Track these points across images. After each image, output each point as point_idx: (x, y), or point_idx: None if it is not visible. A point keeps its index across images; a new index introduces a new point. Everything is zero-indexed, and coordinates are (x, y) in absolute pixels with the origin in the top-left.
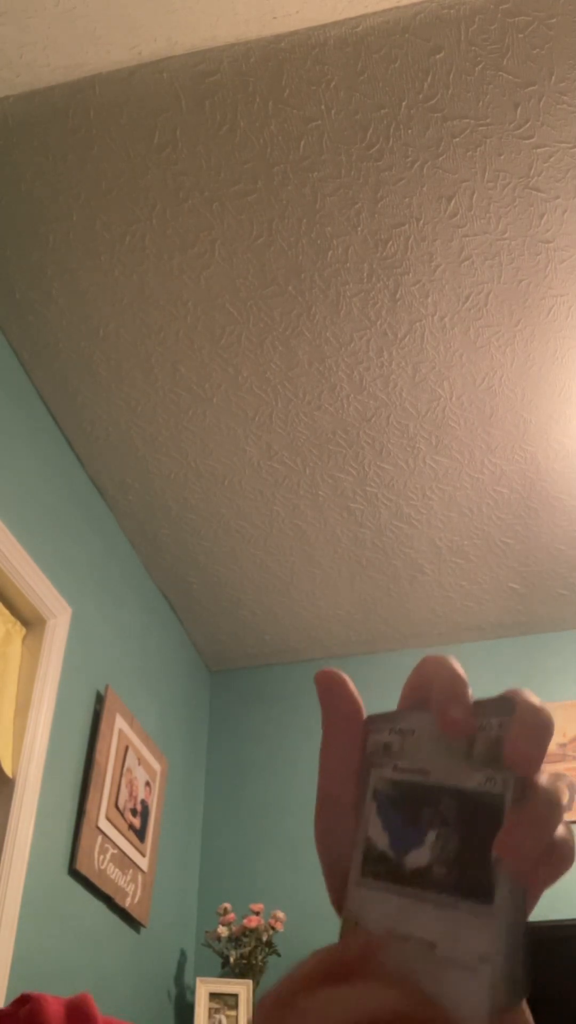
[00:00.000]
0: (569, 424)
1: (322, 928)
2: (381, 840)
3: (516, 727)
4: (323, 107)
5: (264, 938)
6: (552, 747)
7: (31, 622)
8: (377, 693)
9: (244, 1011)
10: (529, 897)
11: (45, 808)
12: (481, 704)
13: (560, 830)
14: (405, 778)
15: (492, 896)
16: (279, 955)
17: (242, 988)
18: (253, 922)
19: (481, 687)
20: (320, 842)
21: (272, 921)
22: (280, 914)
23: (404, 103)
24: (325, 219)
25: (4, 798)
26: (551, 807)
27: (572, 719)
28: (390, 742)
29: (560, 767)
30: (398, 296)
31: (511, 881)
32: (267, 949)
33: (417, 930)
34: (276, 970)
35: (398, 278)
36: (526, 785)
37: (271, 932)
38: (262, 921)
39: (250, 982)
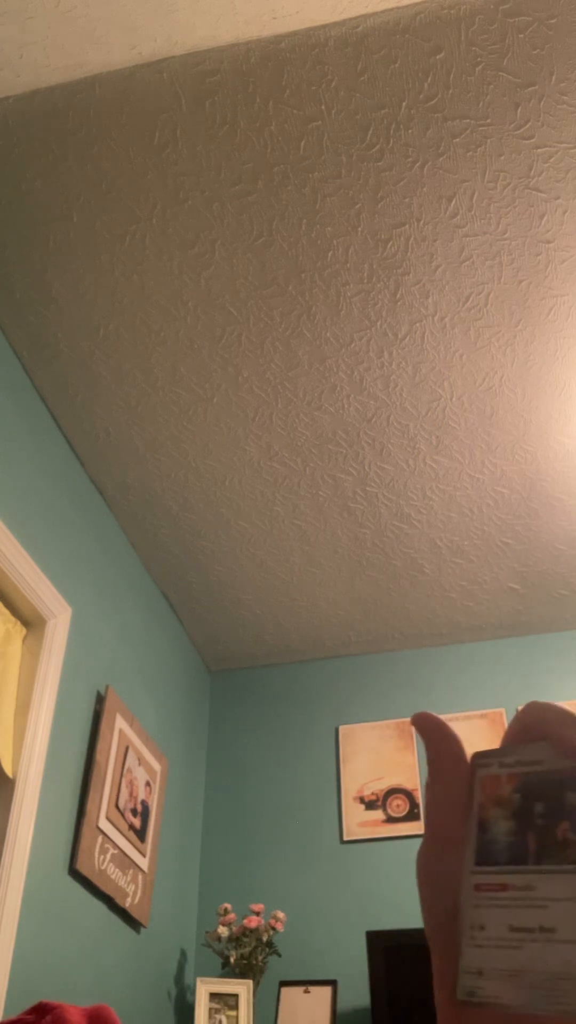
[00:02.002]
0: (569, 424)
1: (322, 928)
2: (497, 829)
3: None
4: (323, 107)
5: (264, 938)
6: None
7: (31, 622)
8: (376, 693)
9: (244, 1011)
10: None
11: (45, 808)
12: None
13: None
14: (518, 770)
15: None
16: (279, 955)
17: (242, 988)
18: (253, 922)
19: (481, 687)
20: (425, 878)
21: (272, 921)
22: (280, 914)
23: (404, 103)
24: (325, 219)
25: (4, 798)
26: None
27: None
28: (499, 775)
29: None
30: (398, 296)
31: None
32: (267, 949)
33: (538, 917)
34: (276, 970)
35: (398, 278)
36: None
37: (271, 932)
38: (262, 921)
39: (250, 982)
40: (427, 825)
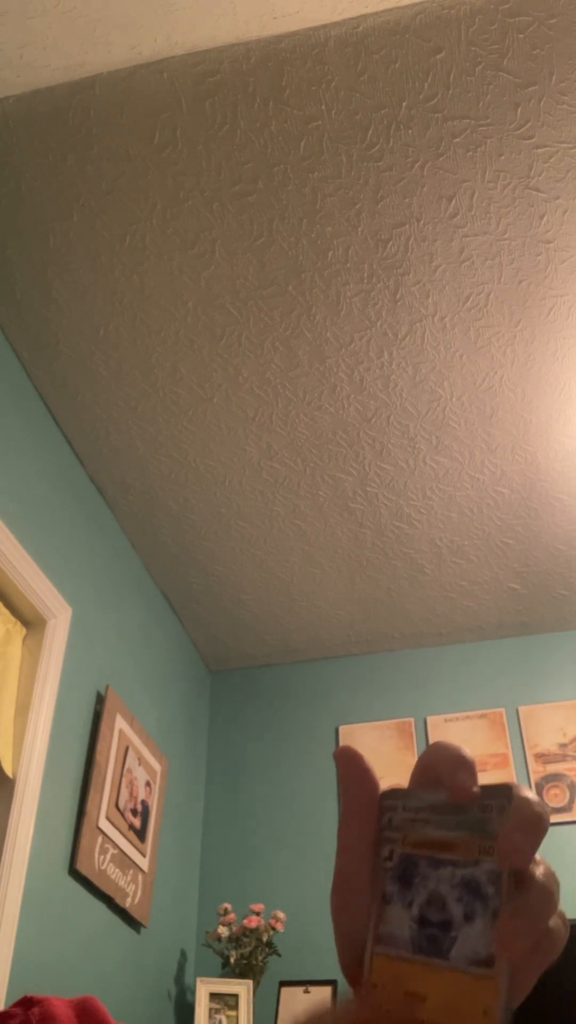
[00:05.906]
0: (569, 424)
1: (322, 928)
2: (395, 913)
3: (511, 820)
4: (323, 107)
5: (264, 938)
6: (552, 747)
7: (31, 622)
8: (376, 693)
9: (244, 1011)
10: (522, 978)
11: (45, 808)
12: (484, 786)
13: (552, 920)
14: (416, 852)
15: (494, 963)
16: (279, 955)
17: (242, 988)
18: (253, 922)
19: (481, 687)
20: (336, 914)
21: (272, 921)
22: (280, 914)
23: (404, 103)
24: (325, 219)
25: (4, 798)
26: (544, 898)
27: (572, 719)
28: (404, 818)
29: (560, 767)
30: (398, 296)
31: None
32: (267, 949)
33: (430, 989)
34: (276, 970)
35: (398, 278)
36: (521, 876)
37: (271, 932)
38: (262, 921)
39: (250, 982)
40: (337, 863)
